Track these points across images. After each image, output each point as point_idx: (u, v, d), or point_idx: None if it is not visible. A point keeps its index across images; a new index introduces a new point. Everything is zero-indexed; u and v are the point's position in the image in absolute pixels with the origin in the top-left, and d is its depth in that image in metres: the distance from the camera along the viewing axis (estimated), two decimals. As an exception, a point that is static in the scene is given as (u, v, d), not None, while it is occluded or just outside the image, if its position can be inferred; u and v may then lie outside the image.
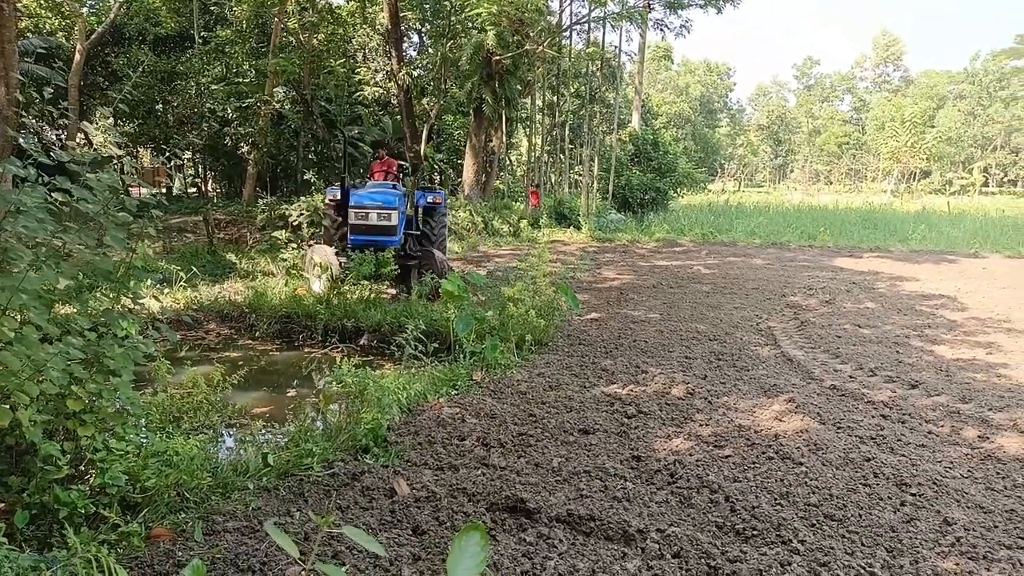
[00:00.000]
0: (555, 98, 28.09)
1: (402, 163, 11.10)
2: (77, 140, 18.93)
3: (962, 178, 66.05)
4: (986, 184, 67.86)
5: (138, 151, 26.17)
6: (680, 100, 72.79)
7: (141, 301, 4.02)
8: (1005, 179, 70.67)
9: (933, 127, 65.98)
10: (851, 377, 6.38)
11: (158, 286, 9.49)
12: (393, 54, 18.61)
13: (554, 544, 3.24)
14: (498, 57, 17.39)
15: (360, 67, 23.85)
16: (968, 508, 3.68)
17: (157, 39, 22.59)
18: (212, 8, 23.11)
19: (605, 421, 4.95)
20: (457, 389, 5.72)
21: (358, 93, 24.11)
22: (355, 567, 3.00)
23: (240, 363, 7.15)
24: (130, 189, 4.06)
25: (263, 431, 4.78)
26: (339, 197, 9.99)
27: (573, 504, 3.61)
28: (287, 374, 7.63)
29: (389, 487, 3.79)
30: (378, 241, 9.42)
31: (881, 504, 3.71)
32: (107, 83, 22.63)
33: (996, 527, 3.49)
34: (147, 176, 24.32)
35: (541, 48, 19.40)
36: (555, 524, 3.44)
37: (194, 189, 27.00)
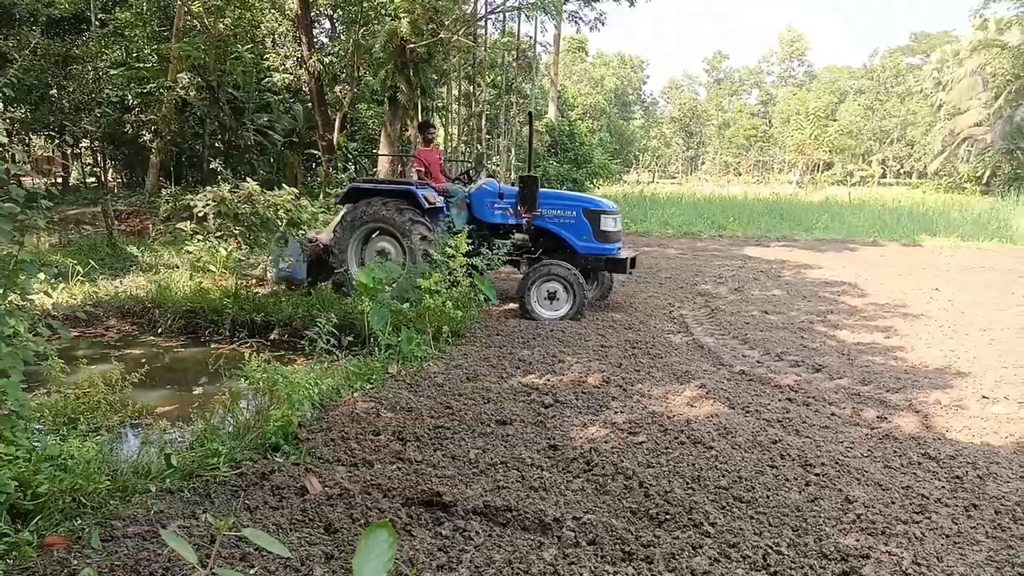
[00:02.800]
0: (471, 88, 27.99)
1: (481, 153, 10.35)
2: (-40, 127, 17.74)
3: (862, 170, 69.26)
4: (884, 175, 71.33)
5: (30, 139, 24.73)
6: (595, 92, 73.68)
7: (31, 297, 3.79)
8: (901, 171, 74.46)
9: (835, 121, 69.00)
10: (759, 362, 6.59)
11: (52, 281, 8.98)
12: (303, 40, 18.18)
13: (471, 537, 3.22)
14: (412, 45, 17.16)
15: (269, 53, 23.15)
16: (868, 486, 3.84)
17: (51, 20, 21.29)
18: (110, -11, 21.99)
19: (522, 411, 4.96)
20: (372, 383, 5.62)
21: (267, 80, 23.40)
22: (265, 569, 2.89)
23: (142, 360, 6.85)
24: (21, 179, 3.81)
25: (167, 431, 4.58)
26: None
27: (490, 496, 3.59)
28: (193, 371, 7.35)
29: (300, 485, 3.68)
30: None
31: (787, 485, 3.84)
32: (-6, 67, 21.26)
33: (893, 503, 3.65)
34: (40, 165, 23.03)
35: (456, 37, 19.25)
36: (472, 516, 3.41)
37: (93, 179, 25.72)
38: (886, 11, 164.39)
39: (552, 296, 8.33)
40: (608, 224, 8.64)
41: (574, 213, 8.68)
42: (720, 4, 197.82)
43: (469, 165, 10.06)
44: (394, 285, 8.19)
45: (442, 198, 9.09)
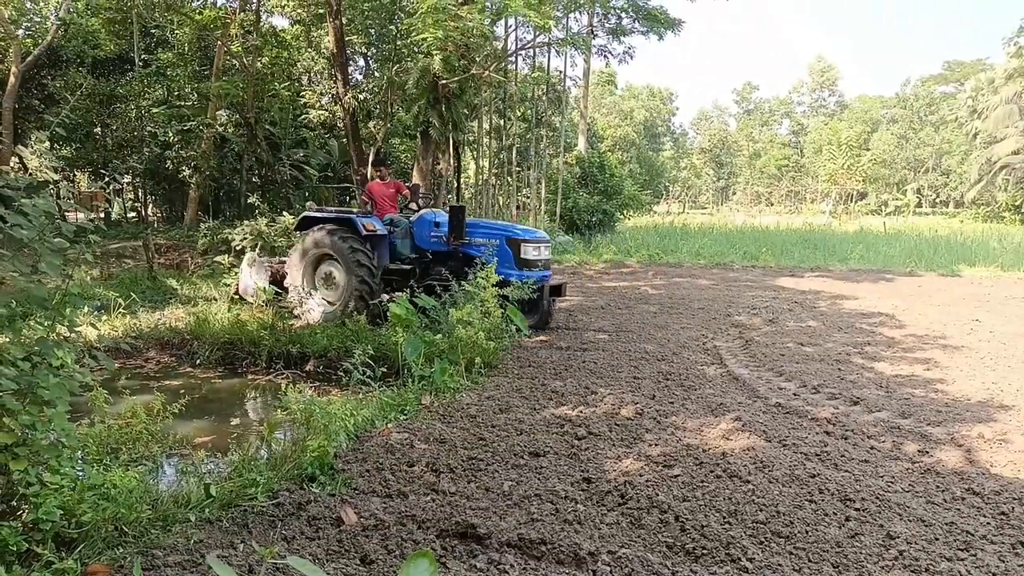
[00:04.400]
0: (502, 122, 28.29)
1: (416, 184, 11.05)
2: (11, 164, 18.34)
3: (896, 199, 68.47)
4: (919, 205, 70.49)
5: (75, 175, 25.47)
6: (625, 124, 74.00)
7: (77, 329, 3.89)
8: (937, 200, 73.55)
9: (868, 150, 68.34)
10: (795, 395, 6.51)
11: (96, 313, 9.21)
12: (339, 77, 18.57)
13: (505, 569, 3.21)
14: (444, 81, 17.45)
15: (305, 90, 23.69)
16: (910, 522, 3.77)
17: (96, 61, 22.09)
18: (153, 31, 22.71)
19: (555, 443, 4.95)
20: (406, 414, 5.66)
21: (303, 116, 23.92)
22: (301, 600, 2.91)
23: (181, 391, 6.96)
24: (67, 214, 3.95)
25: (205, 461, 4.65)
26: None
27: (524, 528, 3.59)
28: (230, 402, 7.46)
29: (336, 516, 3.71)
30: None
31: (826, 520, 3.77)
32: (43, 106, 22.03)
33: (937, 540, 3.57)
34: (84, 201, 23.68)
35: (487, 72, 19.53)
36: (506, 549, 3.41)
37: (134, 214, 26.34)
38: (917, 40, 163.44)
39: None
40: (529, 252, 9.24)
41: (497, 241, 9.28)
42: (747, 35, 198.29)
43: (431, 196, 10.55)
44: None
45: (387, 227, 9.88)
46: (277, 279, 10.19)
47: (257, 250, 10.37)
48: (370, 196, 10.58)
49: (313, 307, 9.61)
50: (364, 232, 9.43)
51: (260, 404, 7.44)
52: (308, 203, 12.61)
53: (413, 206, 10.64)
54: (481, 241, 9.38)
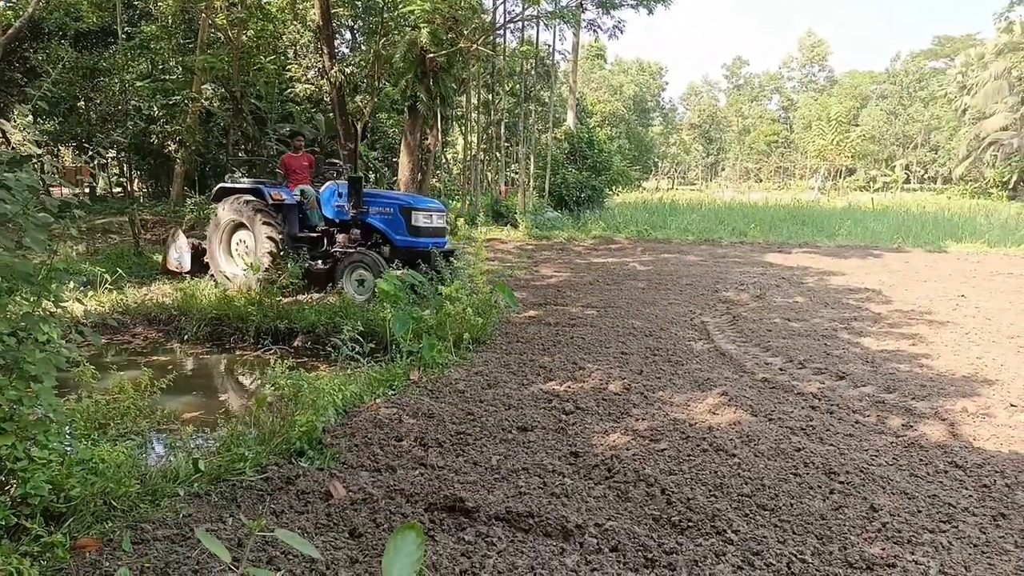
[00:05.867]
0: (490, 96, 28.09)
1: (333, 160, 11.14)
2: (-8, 138, 18.09)
3: (885, 175, 68.61)
4: (907, 181, 70.63)
5: (59, 150, 25.14)
6: (614, 99, 73.56)
7: (63, 304, 3.86)
8: (925, 176, 73.68)
9: (857, 126, 68.44)
10: (781, 370, 6.56)
11: (81, 289, 9.14)
12: (325, 51, 18.34)
13: (493, 542, 3.24)
14: (432, 55, 17.27)
15: (291, 64, 23.40)
16: (893, 494, 3.82)
17: (78, 34, 21.68)
18: (136, 3, 22.32)
19: (543, 418, 4.97)
20: (394, 389, 5.67)
21: (289, 90, 23.64)
22: (291, 572, 2.93)
23: (169, 367, 6.95)
24: (51, 189, 3.90)
25: (194, 436, 4.65)
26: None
27: (512, 502, 3.62)
28: (218, 378, 7.44)
29: (325, 490, 3.73)
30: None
31: (811, 493, 3.82)
32: (25, 80, 21.65)
33: (919, 512, 3.63)
34: (69, 175, 23.40)
35: (475, 46, 19.34)
36: (494, 522, 3.43)
37: (119, 189, 26.09)
38: (908, 14, 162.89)
39: (361, 282, 9.43)
40: (419, 220, 9.72)
41: (391, 210, 9.82)
42: (739, 9, 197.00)
43: (344, 167, 11.10)
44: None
45: (297, 197, 10.41)
46: (198, 254, 10.87)
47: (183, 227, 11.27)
48: (284, 168, 11.19)
49: (237, 273, 10.07)
50: (271, 200, 10.04)
51: (248, 380, 7.43)
52: (228, 175, 13.06)
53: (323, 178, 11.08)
54: (379, 210, 9.88)
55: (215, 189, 10.88)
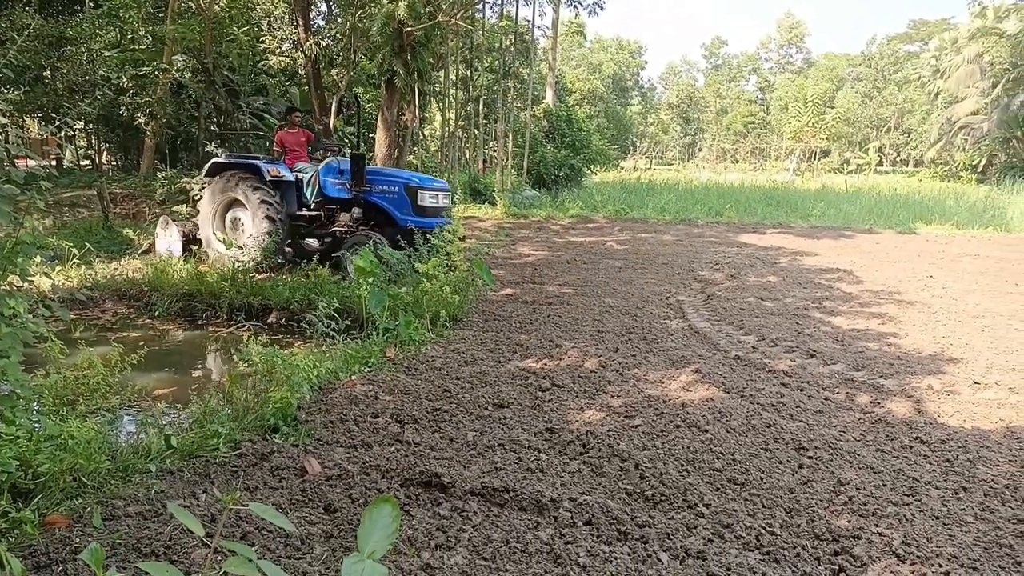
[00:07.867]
0: (469, 72, 27.87)
1: (322, 139, 11.02)
2: (-45, 108, 17.62)
3: (859, 157, 69.21)
4: (880, 163, 71.28)
5: (24, 121, 24.55)
6: (593, 78, 73.38)
7: (30, 279, 3.80)
8: (898, 159, 74.37)
9: (832, 108, 68.80)
10: (754, 348, 6.64)
11: (49, 263, 8.99)
12: (300, 23, 18.06)
13: (468, 516, 3.26)
14: (410, 28, 17.03)
15: (265, 36, 22.99)
16: (860, 469, 3.90)
17: (43, 1, 21.13)
18: (104, -31, 21.75)
19: (519, 395, 5.00)
20: (370, 366, 5.65)
21: (263, 62, 23.26)
22: (265, 547, 2.93)
23: (140, 343, 6.86)
24: (16, 160, 3.82)
25: (166, 413, 4.61)
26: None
27: (487, 477, 3.64)
28: (191, 354, 7.38)
29: (300, 466, 3.72)
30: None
31: (780, 467, 3.89)
32: (-12, 47, 21.08)
33: (884, 486, 3.71)
34: (35, 147, 22.88)
35: (454, 20, 19.12)
36: (469, 497, 3.46)
37: (87, 161, 25.56)
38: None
39: None
40: (425, 199, 9.52)
41: (396, 189, 9.57)
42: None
43: (337, 145, 10.97)
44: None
45: (295, 174, 10.17)
46: (189, 238, 10.50)
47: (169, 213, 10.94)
48: (281, 144, 10.77)
49: (228, 252, 9.76)
50: (269, 177, 9.75)
51: (221, 356, 7.37)
52: (219, 150, 12.72)
53: (318, 156, 10.82)
54: (382, 189, 9.65)
55: (208, 163, 10.51)
